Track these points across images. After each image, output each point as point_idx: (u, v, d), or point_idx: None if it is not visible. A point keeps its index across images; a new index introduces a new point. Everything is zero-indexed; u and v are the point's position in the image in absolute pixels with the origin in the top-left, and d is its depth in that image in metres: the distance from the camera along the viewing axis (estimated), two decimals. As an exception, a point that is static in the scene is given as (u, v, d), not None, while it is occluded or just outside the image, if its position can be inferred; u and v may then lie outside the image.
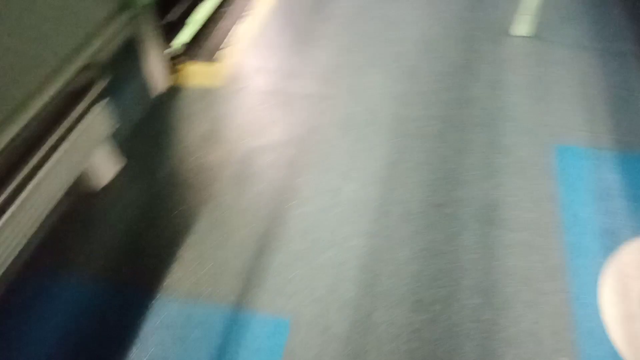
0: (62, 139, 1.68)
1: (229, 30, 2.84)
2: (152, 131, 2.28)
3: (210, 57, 2.66)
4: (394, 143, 2.19)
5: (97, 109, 1.85)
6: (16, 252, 1.55)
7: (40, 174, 1.59)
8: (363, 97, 2.43)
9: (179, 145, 2.22)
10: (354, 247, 1.82)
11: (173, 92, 2.48)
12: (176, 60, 2.55)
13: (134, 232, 1.89)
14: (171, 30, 2.56)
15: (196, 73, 2.58)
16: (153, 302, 1.68)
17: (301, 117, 2.34)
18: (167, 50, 2.47)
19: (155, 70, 2.38)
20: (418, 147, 2.17)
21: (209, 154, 2.17)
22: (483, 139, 2.19)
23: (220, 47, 2.71)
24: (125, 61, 2.18)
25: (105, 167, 2.02)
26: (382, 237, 1.85)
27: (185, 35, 2.67)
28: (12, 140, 1.53)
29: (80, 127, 1.75)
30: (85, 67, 1.84)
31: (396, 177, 2.05)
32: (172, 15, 2.57)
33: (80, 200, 1.97)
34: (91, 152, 1.87)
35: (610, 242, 1.81)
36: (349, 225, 1.89)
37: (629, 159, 2.10)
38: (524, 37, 2.74)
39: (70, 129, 1.72)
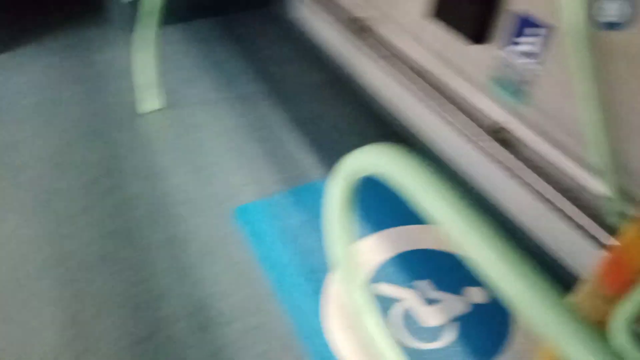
0: None
1: None
2: None
3: None
4: (64, 295, 1.78)
5: None
6: None
7: None
8: (4, 254, 1.92)
9: None
10: None
11: None
12: None
13: None
14: None
15: None
16: None
17: None
18: None
19: None
20: (96, 283, 1.82)
21: None
22: (162, 238, 1.98)
23: None
24: None
25: None
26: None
27: None
28: None
29: None
30: None
31: (83, 333, 1.66)
32: None
33: None
34: None
35: (317, 281, 1.84)
36: None
37: (297, 192, 2.21)
38: (156, 111, 2.63)
39: None
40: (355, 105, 2.79)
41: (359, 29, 2.72)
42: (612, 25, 1.48)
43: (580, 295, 0.89)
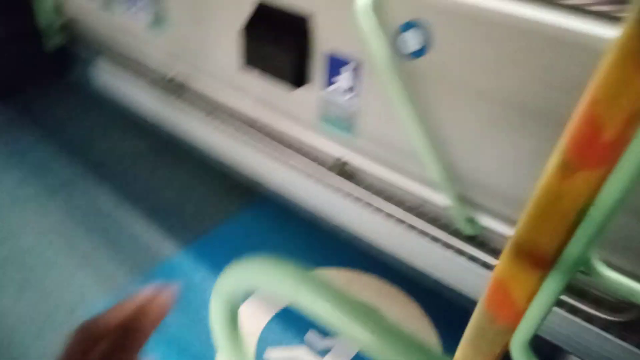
0: None
1: None
2: None
3: None
4: None
5: None
6: None
7: None
8: None
9: None
10: None
11: None
12: None
13: None
14: None
15: None
16: None
17: None
18: None
19: None
20: None
21: None
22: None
23: None
24: None
25: None
26: None
27: None
28: None
29: None
30: None
31: None
32: None
33: None
34: None
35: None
36: None
37: (152, 276, 2.01)
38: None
39: None
40: (189, 166, 2.66)
41: (175, 87, 2.60)
42: (414, 54, 1.61)
43: (474, 330, 0.92)
